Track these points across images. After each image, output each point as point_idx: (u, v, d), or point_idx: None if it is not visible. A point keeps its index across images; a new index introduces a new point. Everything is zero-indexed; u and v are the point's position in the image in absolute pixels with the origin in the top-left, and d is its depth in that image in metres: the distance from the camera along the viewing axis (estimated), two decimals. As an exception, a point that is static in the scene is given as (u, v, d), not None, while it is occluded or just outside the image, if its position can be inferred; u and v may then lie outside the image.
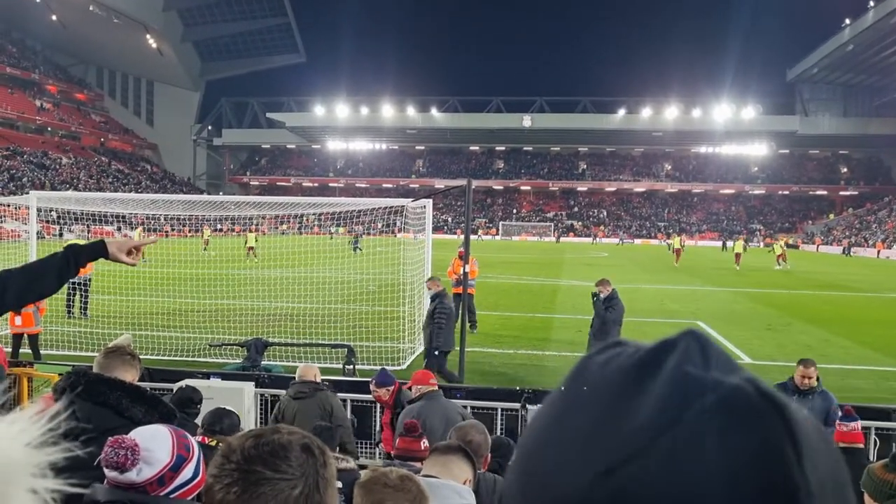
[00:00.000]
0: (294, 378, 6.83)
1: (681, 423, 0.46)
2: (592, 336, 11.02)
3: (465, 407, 7.66)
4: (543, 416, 0.56)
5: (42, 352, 11.72)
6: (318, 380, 6.70)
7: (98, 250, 2.78)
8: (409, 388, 6.31)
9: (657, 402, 0.48)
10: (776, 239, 50.63)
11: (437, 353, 10.39)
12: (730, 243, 57.17)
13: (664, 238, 71.67)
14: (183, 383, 6.60)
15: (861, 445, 5.32)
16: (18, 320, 11.46)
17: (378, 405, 7.28)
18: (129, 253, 2.83)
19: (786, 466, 0.45)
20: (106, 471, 1.90)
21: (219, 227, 35.93)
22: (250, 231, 32.98)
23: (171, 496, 1.96)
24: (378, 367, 7.39)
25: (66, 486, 0.77)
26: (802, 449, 0.46)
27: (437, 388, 6.15)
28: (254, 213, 24.76)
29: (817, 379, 6.64)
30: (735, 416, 0.46)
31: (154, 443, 1.96)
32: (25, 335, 11.67)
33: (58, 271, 2.66)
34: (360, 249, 33.26)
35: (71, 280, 13.82)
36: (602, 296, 10.84)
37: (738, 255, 39.19)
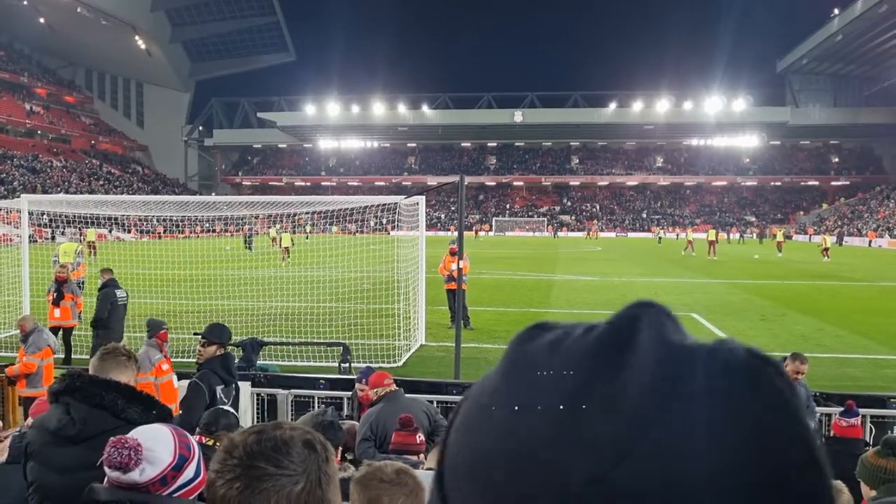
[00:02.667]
0: (290, 377, 6.77)
1: (685, 396, 0.40)
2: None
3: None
4: (487, 419, 0.46)
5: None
6: None
7: None
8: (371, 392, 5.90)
9: (648, 380, 0.41)
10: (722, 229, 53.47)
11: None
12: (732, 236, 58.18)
13: (657, 231, 71.81)
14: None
15: (859, 437, 5.33)
16: (57, 312, 11.73)
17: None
18: None
19: (804, 427, 0.42)
20: (108, 471, 1.88)
21: (213, 228, 35.25)
22: (285, 231, 31.59)
23: (174, 496, 1.95)
24: (375, 365, 7.37)
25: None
26: (800, 402, 0.43)
27: (394, 388, 5.80)
28: (246, 213, 24.69)
29: None
30: (745, 379, 0.42)
31: (156, 442, 1.95)
32: (62, 329, 11.78)
33: None
34: (251, 249, 32.36)
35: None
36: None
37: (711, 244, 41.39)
